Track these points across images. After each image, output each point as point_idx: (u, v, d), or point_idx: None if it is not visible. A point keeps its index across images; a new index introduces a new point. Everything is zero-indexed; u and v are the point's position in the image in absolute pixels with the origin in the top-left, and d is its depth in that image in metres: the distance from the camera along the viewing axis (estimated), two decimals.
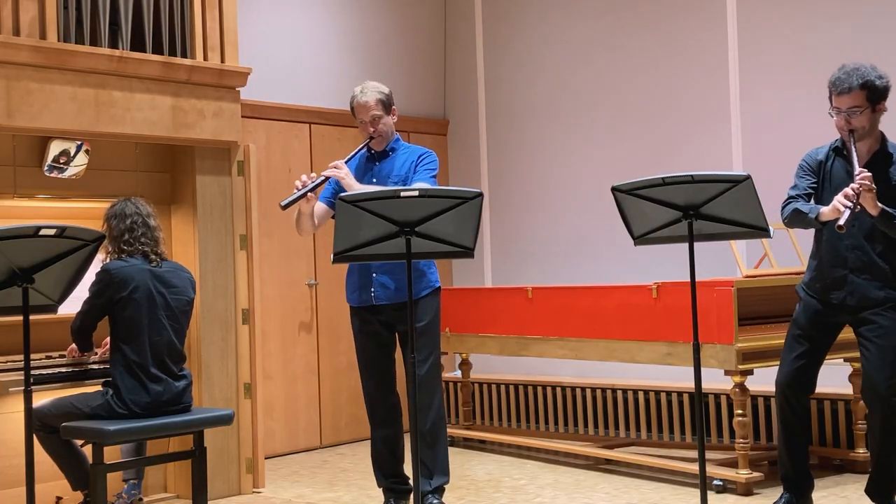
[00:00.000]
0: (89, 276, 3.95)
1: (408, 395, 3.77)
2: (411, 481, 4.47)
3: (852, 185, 3.87)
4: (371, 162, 4.53)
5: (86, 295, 4.34)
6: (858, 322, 4.14)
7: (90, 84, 4.74)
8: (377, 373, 4.53)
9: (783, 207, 4.19)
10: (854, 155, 4.00)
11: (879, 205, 3.91)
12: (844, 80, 4.04)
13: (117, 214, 4.45)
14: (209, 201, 5.27)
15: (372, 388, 4.54)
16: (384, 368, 4.53)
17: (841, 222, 3.78)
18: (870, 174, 3.89)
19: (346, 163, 4.39)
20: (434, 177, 4.45)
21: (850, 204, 3.82)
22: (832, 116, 4.12)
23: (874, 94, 4.03)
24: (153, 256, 4.42)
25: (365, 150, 4.52)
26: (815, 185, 4.21)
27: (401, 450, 4.59)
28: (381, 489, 4.64)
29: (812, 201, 4.19)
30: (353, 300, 4.54)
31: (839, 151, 4.18)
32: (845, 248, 4.11)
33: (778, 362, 4.84)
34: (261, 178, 6.32)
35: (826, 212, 3.98)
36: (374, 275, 4.43)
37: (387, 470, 4.58)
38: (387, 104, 4.49)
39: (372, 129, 4.45)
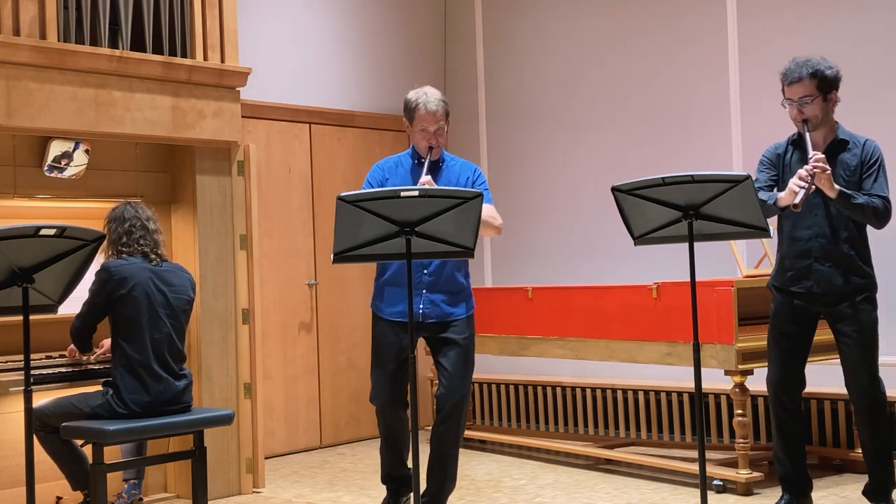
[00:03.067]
0: (89, 276, 3.95)
1: (410, 397, 3.76)
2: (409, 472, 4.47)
3: (806, 166, 3.95)
4: (420, 169, 4.31)
5: (86, 295, 4.34)
6: (834, 316, 4.17)
7: (90, 84, 4.74)
8: (392, 383, 4.38)
9: None
10: (808, 142, 4.07)
11: (836, 186, 3.98)
12: (794, 71, 4.13)
13: (116, 218, 4.46)
14: (209, 201, 5.27)
15: (384, 398, 4.40)
16: (399, 378, 4.38)
17: (796, 201, 3.87)
18: (823, 156, 3.97)
19: (403, 174, 4.27)
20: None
21: (803, 184, 3.90)
22: (784, 108, 4.19)
23: (824, 84, 4.10)
24: (153, 256, 4.42)
25: (411, 157, 4.40)
26: (775, 178, 4.27)
27: (407, 452, 4.55)
28: (384, 485, 4.62)
29: None
30: (390, 314, 4.37)
31: (797, 143, 4.25)
32: (808, 237, 4.16)
33: None
34: (261, 178, 6.32)
35: (783, 196, 4.04)
36: (424, 291, 4.29)
37: (395, 473, 4.56)
38: (448, 114, 4.35)
39: (435, 142, 4.31)
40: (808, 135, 4.10)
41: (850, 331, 4.11)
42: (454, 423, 4.30)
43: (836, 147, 4.18)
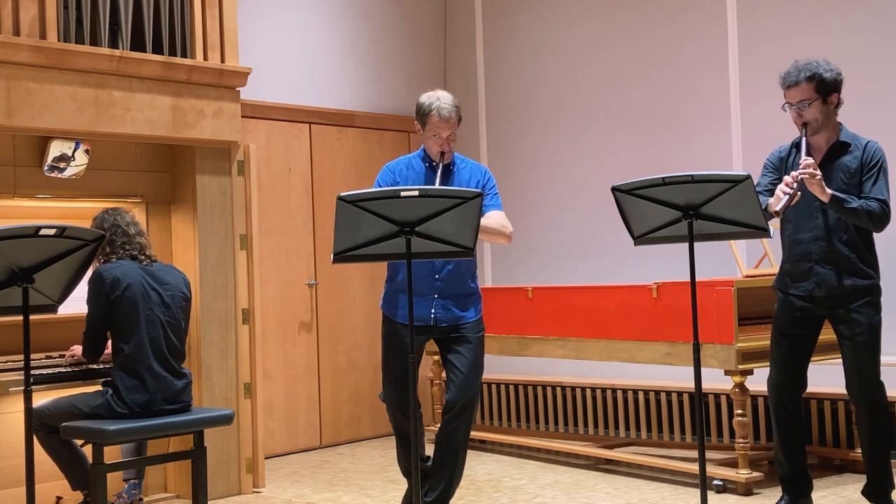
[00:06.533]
0: (89, 277, 3.95)
1: (410, 398, 3.77)
2: (427, 463, 4.47)
3: (793, 172, 3.96)
4: (432, 173, 4.33)
5: (86, 295, 4.34)
6: (837, 319, 4.17)
7: (90, 84, 4.74)
8: (403, 384, 4.34)
9: None
10: (804, 146, 4.06)
11: (829, 190, 3.97)
12: (792, 74, 4.13)
13: (96, 228, 4.45)
14: (209, 201, 5.27)
15: (398, 400, 4.40)
16: (408, 379, 4.44)
17: (777, 208, 3.90)
18: (812, 161, 3.96)
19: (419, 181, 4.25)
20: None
21: (788, 191, 3.92)
22: (785, 111, 4.19)
23: (822, 86, 4.09)
24: (142, 257, 4.44)
25: (423, 160, 4.38)
26: (775, 182, 4.25)
27: (423, 447, 4.62)
28: (406, 478, 4.63)
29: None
30: (403, 317, 4.31)
31: (799, 146, 4.22)
32: (809, 240, 4.17)
33: None
34: (261, 178, 6.33)
35: (772, 201, 4.04)
36: (436, 296, 4.29)
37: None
38: (461, 119, 4.33)
39: (447, 147, 4.28)
40: (805, 139, 4.09)
41: (851, 333, 4.10)
42: (465, 421, 4.33)
43: (837, 150, 4.16)
